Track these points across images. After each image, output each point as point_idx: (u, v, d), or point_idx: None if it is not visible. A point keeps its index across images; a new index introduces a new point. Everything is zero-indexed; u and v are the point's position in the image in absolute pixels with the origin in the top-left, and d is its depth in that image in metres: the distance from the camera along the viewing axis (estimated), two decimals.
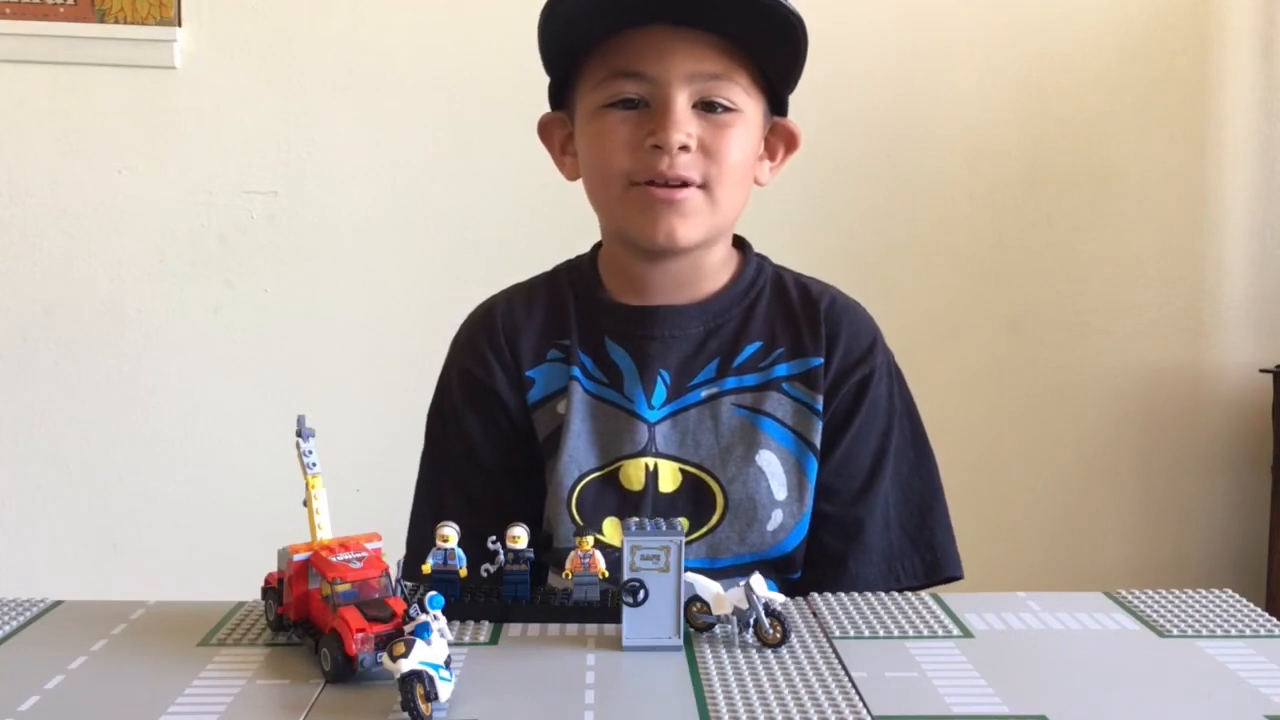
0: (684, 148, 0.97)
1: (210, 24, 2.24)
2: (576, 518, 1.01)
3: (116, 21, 2.20)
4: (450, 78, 2.27)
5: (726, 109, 0.98)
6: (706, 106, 0.98)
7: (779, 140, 1.07)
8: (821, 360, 1.05)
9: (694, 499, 1.02)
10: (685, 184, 0.98)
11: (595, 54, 0.99)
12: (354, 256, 2.29)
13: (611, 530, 1.01)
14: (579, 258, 1.12)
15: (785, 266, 1.13)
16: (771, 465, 1.02)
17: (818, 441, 1.03)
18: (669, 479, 1.02)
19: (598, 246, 1.11)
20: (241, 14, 2.24)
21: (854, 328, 1.07)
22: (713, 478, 1.02)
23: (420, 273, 2.29)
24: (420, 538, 1.06)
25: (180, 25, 2.22)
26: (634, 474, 1.02)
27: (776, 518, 1.01)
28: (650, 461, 1.02)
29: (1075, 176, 2.37)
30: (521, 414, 1.06)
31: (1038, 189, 2.37)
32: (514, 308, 1.09)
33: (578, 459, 1.02)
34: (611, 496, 1.02)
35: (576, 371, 1.05)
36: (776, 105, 1.06)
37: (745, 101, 1.00)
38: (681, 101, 0.97)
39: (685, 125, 0.97)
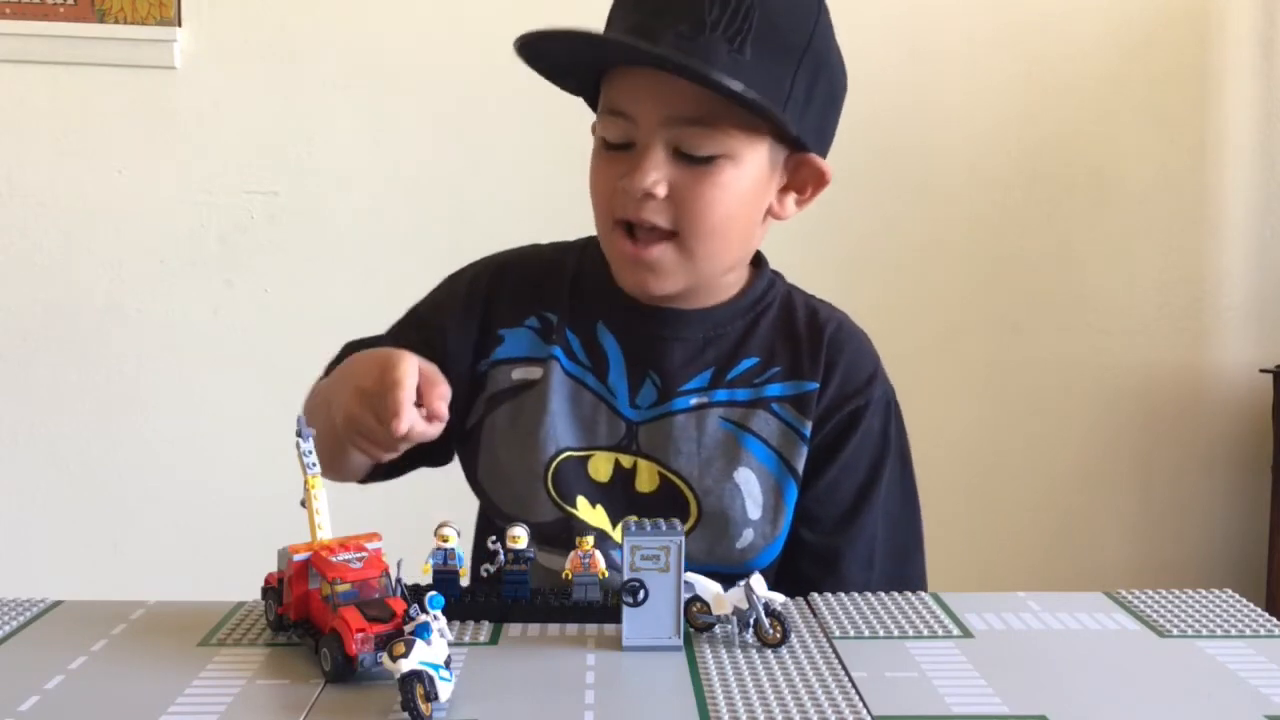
0: (650, 195, 0.94)
1: (210, 24, 2.24)
2: (553, 492, 1.01)
3: (116, 21, 2.20)
4: (450, 77, 2.27)
5: (708, 158, 0.94)
6: (686, 153, 0.94)
7: (807, 176, 1.01)
8: (817, 386, 1.03)
9: (669, 505, 1.01)
10: (655, 230, 0.96)
11: (604, 80, 0.99)
12: (354, 256, 2.29)
13: (584, 507, 1.01)
14: (595, 237, 1.10)
15: (797, 287, 1.11)
16: (749, 484, 1.01)
17: (800, 466, 1.02)
18: (647, 480, 1.02)
19: None
20: (241, 14, 2.24)
21: (855, 358, 1.06)
22: (689, 487, 1.01)
23: (420, 273, 2.26)
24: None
25: (180, 25, 2.22)
26: (602, 466, 1.02)
27: (747, 536, 1.01)
28: (625, 459, 1.02)
29: (1075, 176, 2.37)
30: (466, 366, 1.06)
31: (1038, 189, 2.37)
32: (510, 272, 1.10)
33: (555, 436, 1.02)
34: (582, 481, 1.02)
35: (558, 351, 1.04)
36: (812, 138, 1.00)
37: (736, 146, 0.94)
38: (656, 147, 0.94)
39: (653, 173, 0.93)
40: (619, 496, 1.02)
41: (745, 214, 0.99)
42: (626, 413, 1.03)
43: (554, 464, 1.02)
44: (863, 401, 1.04)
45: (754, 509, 1.01)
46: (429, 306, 1.13)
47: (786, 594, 1.02)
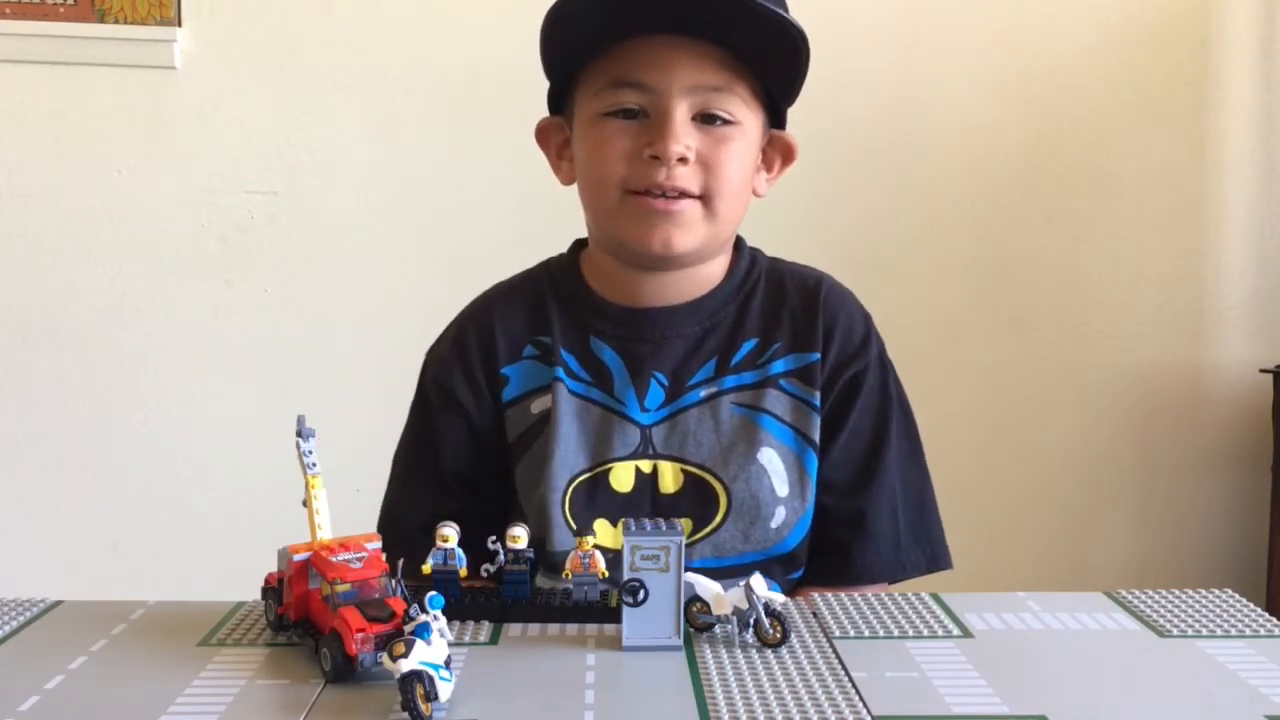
0: (682, 159, 0.97)
1: (210, 24, 2.24)
2: (570, 520, 1.01)
3: (116, 21, 2.20)
4: (450, 78, 2.27)
5: (726, 121, 0.99)
6: (706, 119, 0.98)
7: (776, 152, 1.07)
8: (819, 355, 1.05)
9: (697, 499, 1.01)
10: (683, 195, 0.98)
11: (596, 61, 0.99)
12: (354, 256, 2.29)
13: (601, 531, 1.01)
14: (557, 257, 1.13)
15: (778, 257, 1.13)
16: (773, 462, 1.02)
17: (817, 437, 1.04)
18: (671, 480, 1.02)
19: (576, 245, 1.12)
20: (241, 14, 2.24)
21: (849, 321, 1.07)
22: (715, 477, 1.02)
23: (420, 272, 2.29)
24: (388, 526, 1.09)
25: (180, 25, 2.22)
26: (623, 476, 1.02)
27: (780, 515, 1.02)
28: (645, 464, 1.02)
29: (1075, 176, 2.37)
30: (493, 420, 1.06)
31: (1038, 189, 2.37)
32: (491, 311, 1.09)
33: (568, 461, 1.02)
34: (602, 498, 1.02)
35: (560, 373, 1.05)
36: (775, 117, 1.06)
37: (745, 114, 1.00)
38: (681, 113, 0.97)
39: (684, 137, 0.97)
40: (644, 503, 1.01)
41: (749, 182, 1.04)
42: (639, 418, 1.04)
43: (569, 491, 1.02)
44: (863, 364, 1.06)
45: (781, 486, 1.02)
46: (429, 380, 1.11)
47: (815, 561, 1.04)
